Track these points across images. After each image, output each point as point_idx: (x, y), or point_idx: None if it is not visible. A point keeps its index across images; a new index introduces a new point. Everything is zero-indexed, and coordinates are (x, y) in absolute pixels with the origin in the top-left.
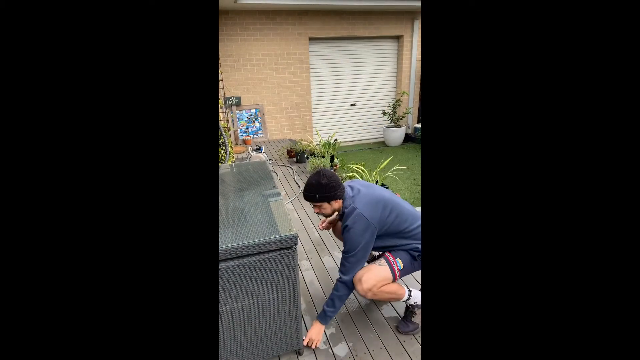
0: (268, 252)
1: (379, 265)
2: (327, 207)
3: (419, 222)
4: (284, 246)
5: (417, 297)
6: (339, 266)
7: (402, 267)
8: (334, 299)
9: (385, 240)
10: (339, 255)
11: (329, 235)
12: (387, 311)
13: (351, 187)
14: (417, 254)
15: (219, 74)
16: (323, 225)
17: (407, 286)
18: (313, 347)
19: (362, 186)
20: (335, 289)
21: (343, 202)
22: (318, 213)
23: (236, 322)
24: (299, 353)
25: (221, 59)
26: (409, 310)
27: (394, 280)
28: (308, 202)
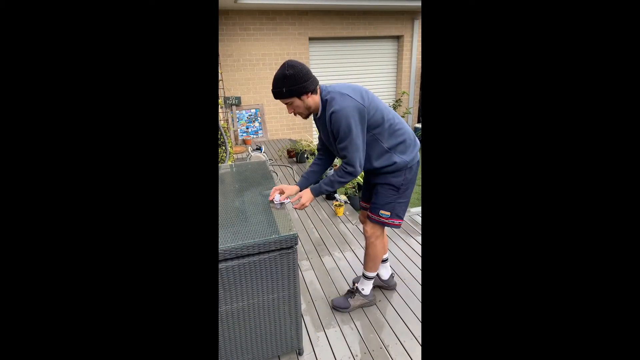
0: (268, 252)
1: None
2: (299, 104)
3: (396, 117)
4: (284, 246)
5: (368, 287)
6: (343, 165)
7: (388, 214)
8: (334, 181)
9: (371, 155)
10: (339, 255)
11: (329, 235)
12: (387, 311)
13: (325, 86)
14: (399, 185)
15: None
16: (296, 206)
17: (384, 275)
18: (299, 205)
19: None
20: (340, 175)
21: (320, 96)
22: (293, 113)
23: (236, 322)
24: (299, 353)
25: (221, 59)
26: (351, 291)
27: (392, 225)
28: (279, 102)
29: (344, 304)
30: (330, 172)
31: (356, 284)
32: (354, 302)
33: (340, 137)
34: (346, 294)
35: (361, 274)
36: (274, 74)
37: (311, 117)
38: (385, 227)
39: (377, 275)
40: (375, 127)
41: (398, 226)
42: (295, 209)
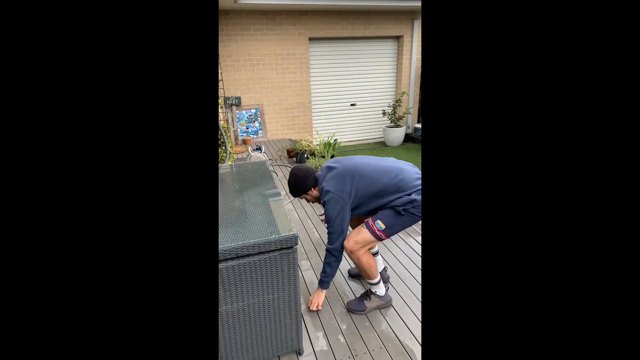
0: (268, 252)
1: (361, 228)
2: (307, 197)
3: (392, 174)
4: (284, 246)
5: (381, 289)
6: (326, 248)
7: (383, 226)
8: (324, 266)
9: (367, 205)
10: None
11: None
12: (388, 311)
13: (328, 168)
14: (401, 208)
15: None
16: (322, 219)
17: (382, 279)
18: (315, 308)
19: (336, 163)
20: (326, 257)
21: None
22: (306, 200)
23: (236, 322)
24: (298, 353)
25: (221, 59)
26: (367, 293)
27: (379, 239)
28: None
29: (360, 307)
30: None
31: (370, 287)
32: (370, 304)
33: (326, 221)
34: (361, 296)
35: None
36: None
37: (319, 111)
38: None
39: (373, 293)
40: (369, 198)
41: (380, 239)
42: (312, 310)
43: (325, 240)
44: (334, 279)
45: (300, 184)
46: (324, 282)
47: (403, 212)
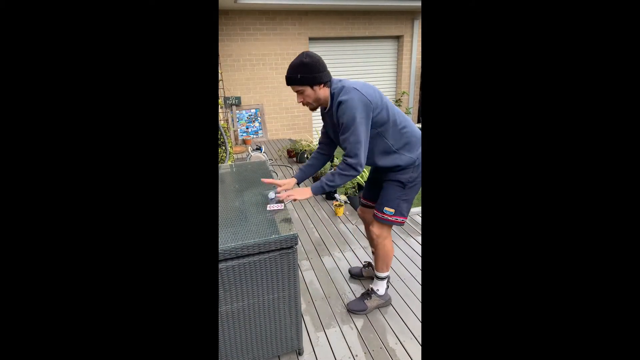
0: (268, 252)
1: (376, 221)
2: (310, 93)
3: (406, 120)
4: (284, 246)
5: (383, 286)
6: (344, 159)
7: (392, 211)
8: (335, 175)
9: (381, 145)
10: (339, 256)
11: (329, 235)
12: (388, 311)
13: (337, 79)
14: (406, 181)
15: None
16: (283, 196)
17: (370, 267)
18: (286, 199)
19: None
20: (342, 167)
21: (330, 89)
22: (302, 103)
23: (236, 322)
24: (298, 353)
25: (221, 59)
26: (367, 292)
27: (399, 224)
28: (291, 89)
29: (361, 307)
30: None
31: (370, 286)
32: (370, 303)
33: (343, 128)
34: (361, 296)
35: (360, 267)
36: (290, 62)
37: (318, 111)
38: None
39: (372, 266)
40: (381, 124)
41: (402, 224)
42: (281, 199)
43: (325, 241)
44: (333, 279)
45: (316, 69)
46: (320, 189)
47: (408, 184)
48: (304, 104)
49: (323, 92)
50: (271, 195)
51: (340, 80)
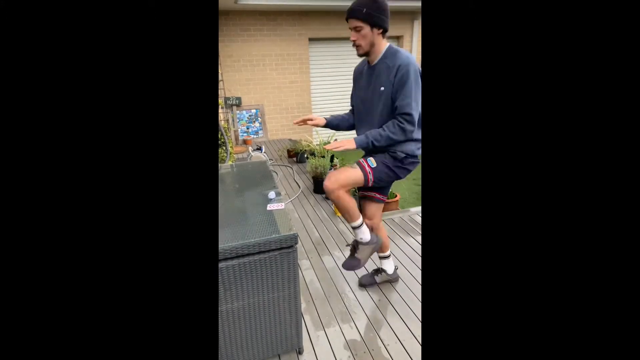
0: (268, 251)
1: (346, 167)
2: (367, 33)
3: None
4: (284, 245)
5: (365, 233)
6: (398, 116)
7: (374, 164)
8: (384, 136)
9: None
10: (339, 255)
11: (329, 235)
12: (388, 311)
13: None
14: (402, 156)
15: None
16: (329, 146)
17: (383, 272)
18: (335, 147)
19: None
20: (393, 130)
21: (386, 47)
22: (354, 42)
23: (236, 322)
24: (299, 352)
25: (221, 60)
26: (353, 246)
27: (367, 181)
28: (348, 23)
29: (355, 262)
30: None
31: (355, 236)
32: (361, 254)
33: (405, 91)
34: (350, 255)
35: (369, 274)
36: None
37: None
38: (382, 224)
39: (384, 271)
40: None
41: (366, 179)
42: (328, 149)
43: (325, 240)
44: (332, 279)
45: (383, 11)
46: (364, 144)
47: (403, 159)
48: (354, 45)
49: (379, 40)
50: (271, 195)
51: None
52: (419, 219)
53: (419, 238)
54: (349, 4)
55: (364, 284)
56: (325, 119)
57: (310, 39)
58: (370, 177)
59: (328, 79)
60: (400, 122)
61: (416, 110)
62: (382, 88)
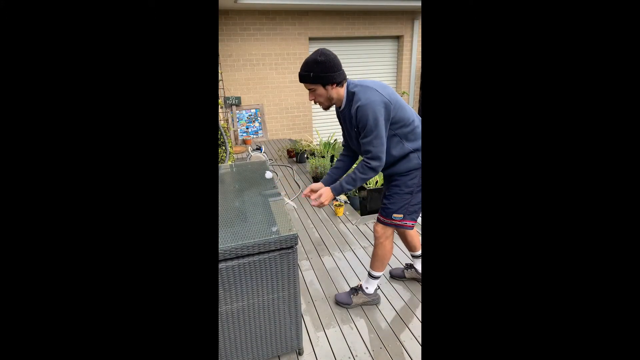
0: (268, 252)
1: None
2: (322, 92)
3: (417, 120)
4: (284, 246)
5: (373, 285)
6: (363, 155)
7: (401, 216)
8: (356, 180)
9: (390, 153)
10: (339, 255)
11: (329, 235)
12: (388, 311)
13: (353, 80)
14: (414, 186)
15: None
16: (314, 203)
17: (413, 269)
18: (318, 204)
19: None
20: (362, 171)
21: (346, 90)
22: (313, 101)
23: (236, 322)
24: (299, 353)
25: (221, 59)
26: (355, 289)
27: (405, 227)
28: (304, 86)
29: (346, 300)
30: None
31: (360, 283)
32: (356, 299)
33: (365, 131)
34: (350, 290)
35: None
36: (305, 59)
37: (317, 111)
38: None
39: (414, 268)
40: (395, 123)
41: (411, 227)
42: (313, 206)
43: (325, 241)
44: (333, 279)
45: (330, 69)
46: (340, 191)
47: (416, 190)
48: (315, 102)
49: (336, 91)
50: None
51: (357, 81)
52: (419, 219)
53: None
54: (349, 3)
55: (394, 276)
56: (322, 182)
57: (310, 39)
58: (408, 224)
59: None
60: (366, 162)
61: (380, 144)
62: (355, 130)
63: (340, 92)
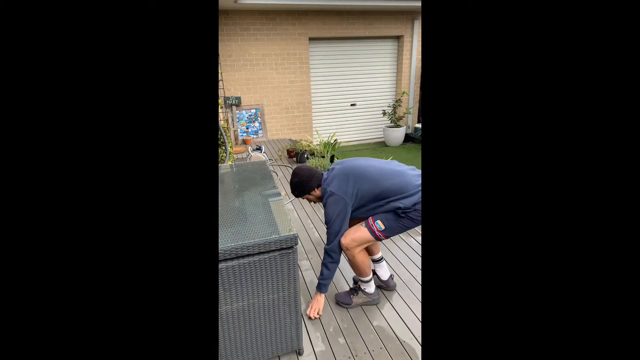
0: (268, 252)
1: (359, 226)
2: (310, 197)
3: (394, 178)
4: (284, 246)
5: (371, 287)
6: (325, 248)
7: (383, 227)
8: (322, 268)
9: (368, 206)
10: None
11: None
12: (387, 311)
13: (330, 170)
14: (400, 211)
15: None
16: (312, 313)
17: (375, 276)
18: (316, 315)
19: (339, 164)
20: (323, 258)
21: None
22: (313, 203)
23: (236, 322)
24: (299, 353)
25: (221, 59)
26: (354, 289)
27: (378, 239)
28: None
29: (346, 300)
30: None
31: (359, 283)
32: (356, 299)
33: (325, 221)
34: (349, 290)
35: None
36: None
37: (317, 110)
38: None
39: (377, 275)
40: (369, 202)
41: (379, 239)
42: (314, 318)
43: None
44: (333, 279)
45: (303, 184)
46: (322, 286)
47: (403, 215)
48: (315, 203)
49: (318, 192)
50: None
51: (326, 180)
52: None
53: (419, 238)
54: (349, 3)
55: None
56: (321, 292)
57: (310, 39)
58: (381, 236)
59: (328, 79)
60: (325, 248)
61: (334, 233)
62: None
63: (320, 190)
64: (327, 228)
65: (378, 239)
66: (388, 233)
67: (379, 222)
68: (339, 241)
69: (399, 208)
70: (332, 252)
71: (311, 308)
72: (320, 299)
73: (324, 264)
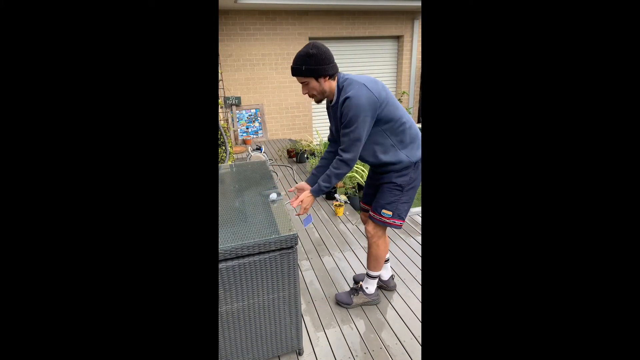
0: (268, 252)
1: (373, 222)
2: (315, 85)
3: (409, 120)
4: (284, 246)
5: (373, 285)
6: (338, 154)
7: (390, 213)
8: (331, 176)
9: (378, 138)
10: (339, 255)
11: (329, 235)
12: (387, 311)
13: (345, 74)
14: (404, 184)
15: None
16: (294, 204)
17: (384, 276)
18: (302, 212)
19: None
20: (335, 166)
21: (337, 83)
22: (308, 95)
23: (236, 322)
24: (298, 353)
25: (221, 59)
26: (355, 289)
27: (393, 225)
28: (297, 80)
29: (347, 300)
30: None
31: (360, 283)
32: (357, 299)
33: (345, 123)
34: (350, 290)
35: (365, 273)
36: (297, 51)
37: (318, 110)
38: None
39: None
40: (386, 122)
41: (399, 227)
42: (299, 215)
43: (325, 241)
44: (332, 278)
45: (322, 62)
46: (320, 192)
47: (404, 189)
48: (309, 96)
49: (328, 84)
50: (272, 196)
51: (347, 75)
52: (419, 219)
53: (419, 238)
54: (349, 3)
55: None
56: (307, 182)
57: (310, 39)
58: (396, 223)
59: None
60: (339, 155)
61: (355, 139)
62: (341, 123)
63: (333, 85)
64: (346, 129)
65: (396, 226)
66: (399, 216)
67: (384, 211)
68: (359, 152)
69: (399, 175)
70: (352, 162)
71: (298, 200)
72: (311, 200)
73: (335, 174)
